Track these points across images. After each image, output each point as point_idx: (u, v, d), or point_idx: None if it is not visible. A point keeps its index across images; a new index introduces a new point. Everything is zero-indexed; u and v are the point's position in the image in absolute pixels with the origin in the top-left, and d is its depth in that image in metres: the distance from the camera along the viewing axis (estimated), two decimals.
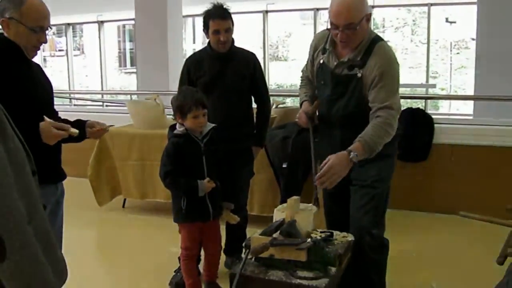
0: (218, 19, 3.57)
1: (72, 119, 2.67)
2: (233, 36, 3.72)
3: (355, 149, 2.68)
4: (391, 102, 2.78)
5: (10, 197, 1.37)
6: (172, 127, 3.36)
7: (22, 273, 1.39)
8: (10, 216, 1.36)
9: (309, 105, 3.19)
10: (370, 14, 2.84)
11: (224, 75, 3.67)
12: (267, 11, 10.49)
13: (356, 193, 2.98)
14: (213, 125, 3.32)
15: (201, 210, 3.30)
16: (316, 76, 3.13)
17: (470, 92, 8.25)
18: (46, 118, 2.41)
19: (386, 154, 2.93)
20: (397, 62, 2.90)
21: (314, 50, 3.12)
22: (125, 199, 5.75)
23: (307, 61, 3.24)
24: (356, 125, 2.82)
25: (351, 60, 2.88)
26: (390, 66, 2.84)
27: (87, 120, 2.67)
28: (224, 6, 3.63)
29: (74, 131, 2.47)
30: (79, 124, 2.63)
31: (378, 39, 2.91)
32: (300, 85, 3.40)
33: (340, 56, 2.95)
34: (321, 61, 3.03)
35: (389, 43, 3.01)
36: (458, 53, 14.30)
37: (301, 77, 3.39)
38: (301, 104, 3.28)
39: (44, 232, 1.51)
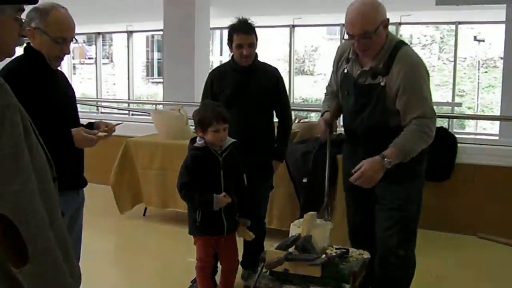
0: (242, 33, 3.62)
1: None
2: (260, 49, 3.77)
3: (389, 154, 2.69)
4: (423, 111, 2.73)
5: (34, 203, 1.42)
6: (193, 140, 3.39)
7: (43, 277, 1.43)
8: (34, 221, 1.41)
9: (329, 115, 3.15)
10: (388, 20, 2.78)
11: (246, 89, 3.71)
12: (293, 26, 10.55)
13: (382, 213, 2.94)
14: (233, 140, 3.33)
15: (216, 224, 3.30)
16: (340, 87, 3.08)
17: (498, 111, 8.18)
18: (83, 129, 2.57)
19: (415, 174, 2.90)
20: (424, 66, 2.82)
21: (338, 59, 3.08)
22: (146, 208, 5.80)
23: (331, 74, 3.20)
24: (380, 140, 2.79)
25: (374, 68, 2.82)
26: (415, 73, 2.76)
27: (94, 122, 2.75)
28: (249, 21, 3.67)
29: (102, 134, 2.58)
30: (90, 126, 2.71)
31: (401, 44, 2.84)
32: (323, 100, 3.35)
33: (363, 65, 2.89)
34: (345, 71, 2.99)
35: None
36: (486, 71, 14.17)
37: (325, 92, 3.34)
38: (322, 115, 3.23)
39: (61, 238, 1.56)
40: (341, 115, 3.19)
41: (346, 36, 2.81)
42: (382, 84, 2.78)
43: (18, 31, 1.60)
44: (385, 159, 2.68)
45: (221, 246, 3.44)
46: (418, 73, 2.77)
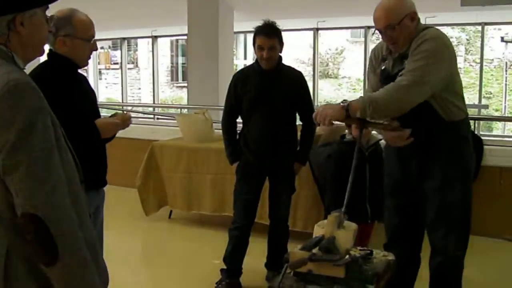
0: (263, 36, 3.64)
1: (123, 130, 2.81)
2: (284, 52, 3.78)
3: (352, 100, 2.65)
4: (412, 67, 2.64)
5: (65, 204, 1.47)
6: (343, 136, 4.17)
7: (72, 276, 1.48)
8: (64, 221, 1.45)
9: None
10: (415, 13, 2.79)
11: (269, 92, 3.72)
12: (317, 29, 10.52)
13: (434, 221, 2.96)
14: (379, 138, 3.72)
15: (358, 210, 3.76)
16: (381, 85, 2.99)
17: None
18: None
19: (460, 176, 2.89)
20: (444, 40, 2.75)
21: (371, 60, 3.08)
22: (171, 210, 5.85)
23: (368, 75, 3.17)
24: (427, 137, 2.79)
25: (402, 54, 2.81)
26: (429, 41, 2.69)
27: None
28: (275, 25, 3.68)
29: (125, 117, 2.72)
30: None
31: (428, 27, 2.82)
32: None
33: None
34: (383, 67, 2.98)
35: None
36: None
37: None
38: None
39: (89, 239, 1.60)
40: None
41: (376, 32, 2.85)
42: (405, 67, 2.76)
43: (47, 29, 1.67)
44: (345, 101, 2.67)
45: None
46: (432, 42, 2.69)
